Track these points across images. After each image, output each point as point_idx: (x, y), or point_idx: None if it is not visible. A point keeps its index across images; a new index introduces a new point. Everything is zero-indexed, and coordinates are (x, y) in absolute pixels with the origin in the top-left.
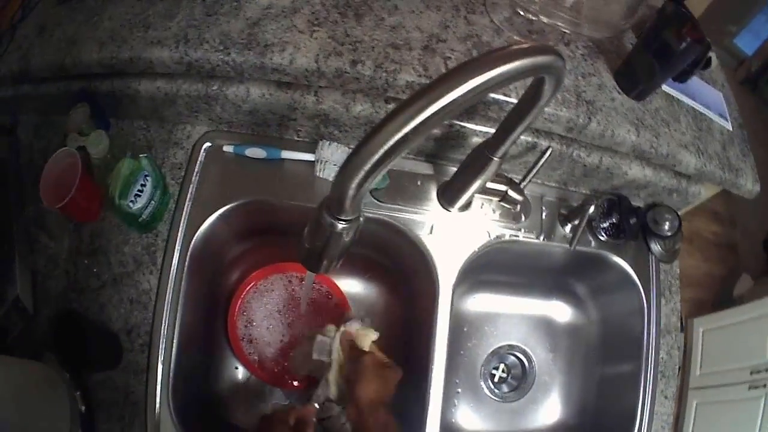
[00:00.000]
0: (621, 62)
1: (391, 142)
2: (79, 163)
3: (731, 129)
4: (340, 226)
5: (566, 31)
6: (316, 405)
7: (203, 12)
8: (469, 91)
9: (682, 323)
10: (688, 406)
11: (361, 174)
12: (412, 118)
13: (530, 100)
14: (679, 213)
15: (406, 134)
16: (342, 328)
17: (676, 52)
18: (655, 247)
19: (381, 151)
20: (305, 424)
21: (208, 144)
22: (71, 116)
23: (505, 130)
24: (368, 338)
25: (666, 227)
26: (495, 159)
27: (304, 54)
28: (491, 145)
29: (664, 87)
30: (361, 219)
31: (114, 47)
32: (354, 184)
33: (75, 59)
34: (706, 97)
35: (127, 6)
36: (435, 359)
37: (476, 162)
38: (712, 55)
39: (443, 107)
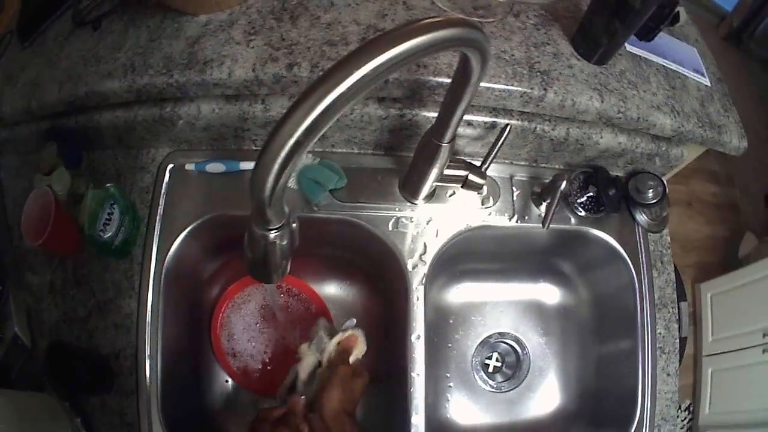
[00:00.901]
0: (577, 26)
1: (289, 145)
2: (52, 201)
3: (709, 84)
4: (271, 235)
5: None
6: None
7: (147, 38)
8: (363, 77)
9: (681, 291)
10: (703, 374)
11: (270, 182)
12: (304, 118)
13: (460, 79)
14: (665, 178)
15: (300, 137)
16: (348, 332)
17: (633, 7)
18: (641, 216)
19: (282, 156)
20: (294, 415)
21: (171, 165)
22: (42, 156)
23: (445, 113)
24: (360, 348)
25: (650, 195)
26: (443, 145)
27: (241, 65)
28: (436, 131)
29: (630, 47)
30: (294, 224)
31: (71, 85)
32: (266, 194)
33: (39, 101)
34: (679, 54)
35: (80, 43)
36: (414, 356)
37: (426, 151)
38: (680, 9)
39: (335, 100)
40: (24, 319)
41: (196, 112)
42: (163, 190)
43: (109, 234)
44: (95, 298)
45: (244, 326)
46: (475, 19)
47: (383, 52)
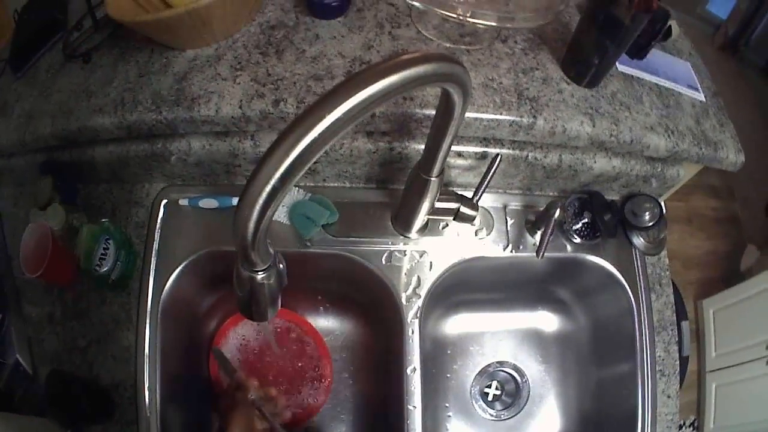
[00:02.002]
0: (566, 49)
1: (266, 192)
2: (49, 234)
3: (704, 99)
4: (258, 277)
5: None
6: None
7: (136, 73)
8: (336, 120)
9: (682, 310)
10: (707, 390)
11: (251, 227)
12: (278, 165)
13: (443, 114)
14: (662, 198)
15: (276, 184)
16: None
17: (623, 23)
18: (638, 240)
19: (260, 202)
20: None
21: (165, 200)
22: (38, 188)
23: (431, 148)
24: None
25: (646, 217)
26: (432, 179)
27: (228, 102)
28: (424, 165)
29: (621, 67)
30: (281, 265)
31: (64, 119)
32: (249, 239)
33: (33, 134)
34: (672, 70)
35: (72, 77)
36: (411, 389)
37: (415, 186)
38: (672, 23)
39: (308, 145)
40: (25, 346)
41: (187, 148)
42: (157, 225)
43: (105, 269)
44: (94, 330)
45: (240, 357)
46: (462, 46)
47: (356, 93)
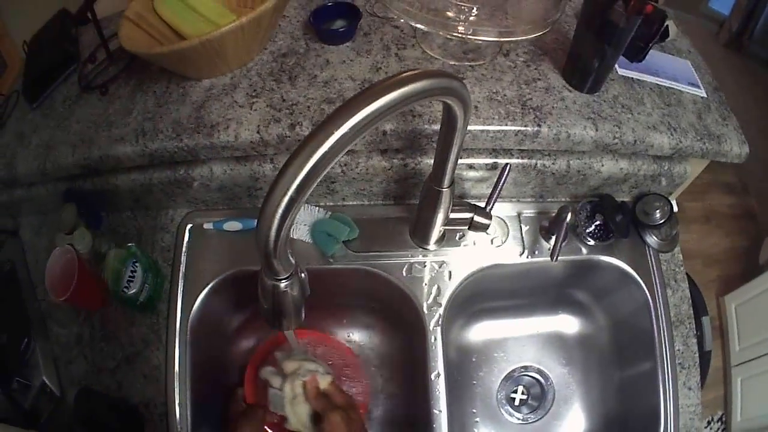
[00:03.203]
0: (566, 57)
1: (284, 203)
2: (75, 258)
3: (705, 95)
4: (282, 285)
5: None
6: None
7: (155, 104)
8: (343, 136)
9: (701, 307)
10: (733, 384)
11: (272, 236)
12: (293, 178)
13: (446, 126)
14: (673, 196)
15: (293, 195)
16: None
17: (618, 25)
18: (650, 238)
19: (279, 213)
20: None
21: (190, 225)
22: (61, 216)
23: (439, 160)
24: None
25: (657, 216)
26: (443, 190)
27: (246, 127)
28: (434, 178)
29: (621, 71)
30: (303, 274)
31: (85, 148)
32: (270, 247)
33: (54, 163)
34: (672, 69)
35: (90, 107)
36: (436, 394)
37: (428, 198)
38: (669, 23)
39: (319, 159)
40: (52, 368)
41: (208, 173)
42: (183, 249)
43: (134, 291)
44: (123, 350)
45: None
46: (466, 63)
47: (360, 110)
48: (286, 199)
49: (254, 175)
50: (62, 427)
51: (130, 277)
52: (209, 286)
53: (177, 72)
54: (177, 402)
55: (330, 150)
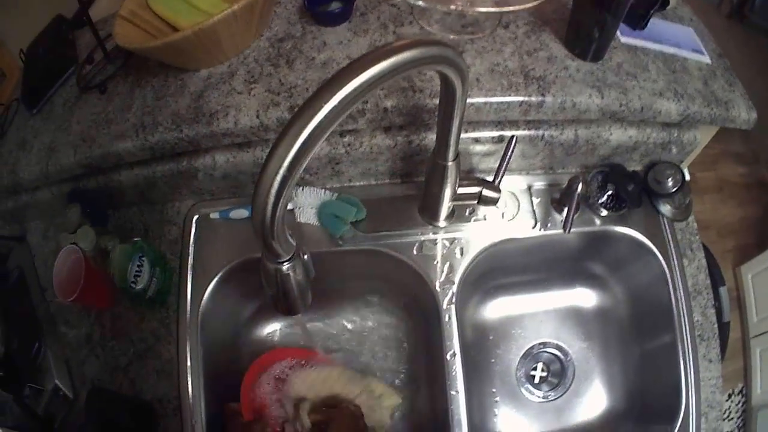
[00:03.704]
0: (567, 27)
1: (277, 182)
2: (81, 258)
3: (710, 62)
4: (284, 267)
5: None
6: None
7: (153, 97)
8: (332, 109)
9: (718, 277)
10: (752, 355)
11: (267, 217)
12: (285, 155)
13: (445, 97)
14: (684, 164)
15: (285, 173)
16: None
17: None
18: (664, 207)
19: (272, 193)
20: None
21: (196, 216)
22: (66, 217)
23: (442, 133)
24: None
25: (669, 184)
26: (448, 164)
27: (245, 113)
28: (438, 152)
29: (624, 39)
30: (305, 255)
31: (86, 148)
32: (267, 229)
33: (56, 165)
34: (675, 37)
35: (90, 107)
36: (452, 374)
37: (434, 173)
38: None
39: (309, 134)
40: (64, 371)
41: (211, 162)
42: (191, 240)
43: (141, 285)
44: (134, 347)
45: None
46: (465, 36)
47: (348, 82)
48: (278, 177)
49: (257, 161)
50: (76, 430)
51: (137, 272)
52: (218, 275)
53: (174, 64)
54: (190, 395)
55: (319, 125)
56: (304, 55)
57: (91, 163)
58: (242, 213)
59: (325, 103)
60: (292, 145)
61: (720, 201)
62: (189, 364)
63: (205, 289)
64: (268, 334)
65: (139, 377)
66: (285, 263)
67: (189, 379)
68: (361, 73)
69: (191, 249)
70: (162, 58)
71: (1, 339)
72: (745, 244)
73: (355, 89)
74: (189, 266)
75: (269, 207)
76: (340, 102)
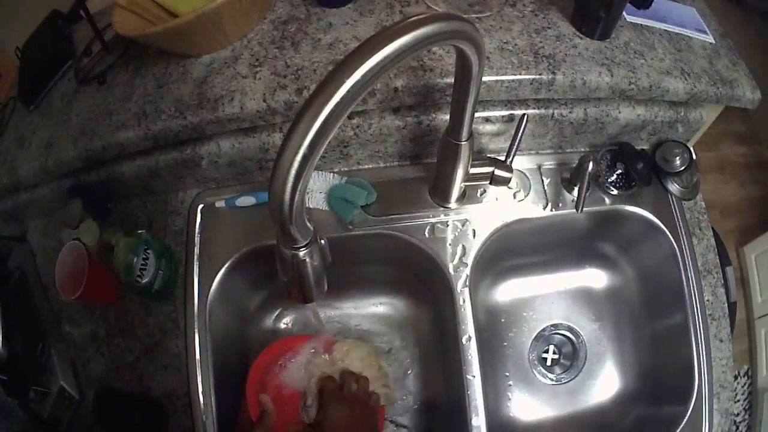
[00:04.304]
0: (574, 5)
1: (297, 163)
2: (84, 254)
3: (714, 41)
4: (301, 253)
5: None
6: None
7: (155, 85)
8: (354, 84)
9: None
10: (757, 337)
11: (286, 201)
12: (305, 134)
13: (461, 74)
14: (690, 143)
15: (305, 152)
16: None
17: None
18: (672, 186)
19: (292, 174)
20: None
21: (201, 205)
22: (67, 212)
23: (456, 112)
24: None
25: (677, 162)
26: (462, 143)
27: (251, 97)
28: (452, 131)
29: (630, 18)
30: (322, 241)
31: (86, 140)
32: (285, 213)
33: (56, 160)
34: (678, 16)
35: (89, 99)
36: (468, 358)
37: (447, 152)
38: None
39: (331, 111)
40: (69, 371)
41: (216, 149)
42: (196, 230)
43: (147, 279)
44: (141, 343)
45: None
46: (472, 15)
47: (371, 56)
48: (298, 157)
49: (264, 146)
50: (84, 430)
51: (142, 265)
52: (226, 265)
53: (175, 51)
54: (200, 390)
55: (342, 100)
56: (309, 36)
57: (92, 156)
58: (249, 200)
59: (347, 78)
60: (313, 121)
61: (722, 181)
62: (198, 358)
63: (213, 280)
64: (277, 323)
65: (147, 374)
66: (302, 249)
67: (198, 373)
68: (384, 46)
69: (197, 239)
70: (163, 45)
71: (3, 342)
72: (748, 224)
73: (378, 63)
74: (195, 257)
75: (288, 188)
76: (363, 76)
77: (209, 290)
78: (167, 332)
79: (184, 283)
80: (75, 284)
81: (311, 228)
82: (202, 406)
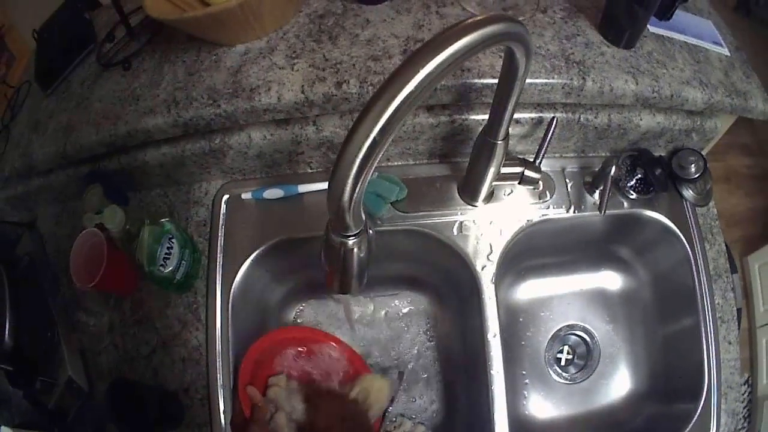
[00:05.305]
0: (601, 14)
1: (366, 146)
2: (103, 240)
3: (729, 54)
4: (350, 242)
5: None
6: None
7: (185, 72)
8: (428, 75)
9: (732, 263)
10: (758, 345)
11: (348, 186)
12: (378, 118)
13: (507, 74)
14: (704, 152)
15: (376, 137)
16: None
17: None
18: (687, 192)
19: (359, 158)
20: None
21: (226, 196)
22: (86, 199)
23: (497, 111)
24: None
25: (693, 170)
26: (498, 143)
27: (289, 88)
28: (490, 130)
29: (652, 28)
30: (371, 231)
31: (110, 125)
32: (345, 198)
33: (75, 145)
34: (697, 28)
35: (113, 84)
36: (492, 354)
37: (482, 151)
38: None
39: (405, 98)
40: (78, 362)
41: (247, 140)
42: (221, 222)
43: (170, 268)
44: (158, 334)
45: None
46: None
47: (443, 50)
48: (368, 141)
49: (296, 138)
50: (92, 423)
51: (166, 254)
52: (251, 258)
53: (208, 38)
54: (220, 383)
55: (416, 89)
56: (347, 31)
57: (115, 141)
58: (277, 192)
59: (422, 67)
60: (387, 106)
61: (728, 191)
62: (218, 350)
63: (237, 272)
64: (297, 318)
65: (163, 366)
66: (352, 238)
67: (219, 366)
68: (455, 42)
69: (221, 231)
70: (196, 32)
71: (9, 332)
72: (752, 234)
73: (449, 57)
74: (219, 249)
75: (353, 174)
76: (437, 67)
77: (233, 282)
78: (187, 324)
79: (206, 275)
80: (92, 272)
81: (364, 218)
82: (221, 399)
